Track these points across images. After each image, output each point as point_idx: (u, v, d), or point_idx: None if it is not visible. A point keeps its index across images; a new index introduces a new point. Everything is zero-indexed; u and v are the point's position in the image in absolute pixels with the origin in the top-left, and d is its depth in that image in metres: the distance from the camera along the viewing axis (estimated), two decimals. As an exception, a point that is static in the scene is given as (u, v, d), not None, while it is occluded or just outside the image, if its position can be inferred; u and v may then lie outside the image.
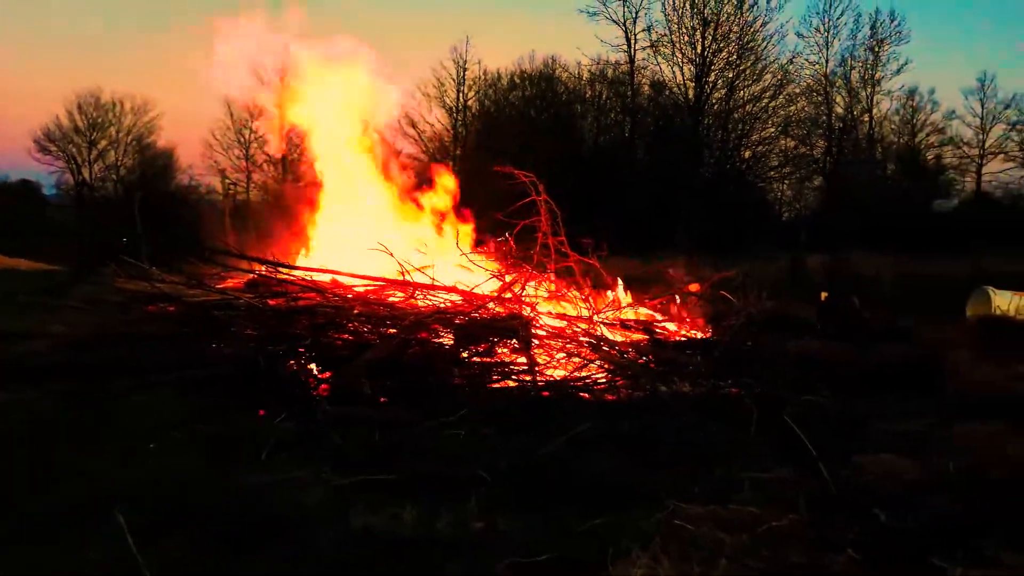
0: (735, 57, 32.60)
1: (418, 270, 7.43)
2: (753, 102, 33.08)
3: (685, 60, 32.84)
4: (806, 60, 34.38)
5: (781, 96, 33.29)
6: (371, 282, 7.13)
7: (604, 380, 6.17)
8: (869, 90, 34.96)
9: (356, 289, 7.06)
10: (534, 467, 4.07)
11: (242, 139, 39.42)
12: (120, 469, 3.97)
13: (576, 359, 6.50)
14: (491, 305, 6.85)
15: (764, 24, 32.63)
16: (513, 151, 25.98)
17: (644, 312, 8.21)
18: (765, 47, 32.79)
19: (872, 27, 34.36)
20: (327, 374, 6.04)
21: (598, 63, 34.86)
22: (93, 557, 2.97)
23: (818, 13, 34.83)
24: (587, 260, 8.31)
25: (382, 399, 5.59)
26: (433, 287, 7.09)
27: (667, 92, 34.02)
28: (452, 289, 7.04)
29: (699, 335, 7.92)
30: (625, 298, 8.31)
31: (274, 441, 4.41)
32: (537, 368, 6.18)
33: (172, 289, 7.21)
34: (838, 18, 34.42)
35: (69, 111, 40.51)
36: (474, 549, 3.12)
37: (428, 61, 59.03)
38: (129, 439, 4.46)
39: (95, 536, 3.09)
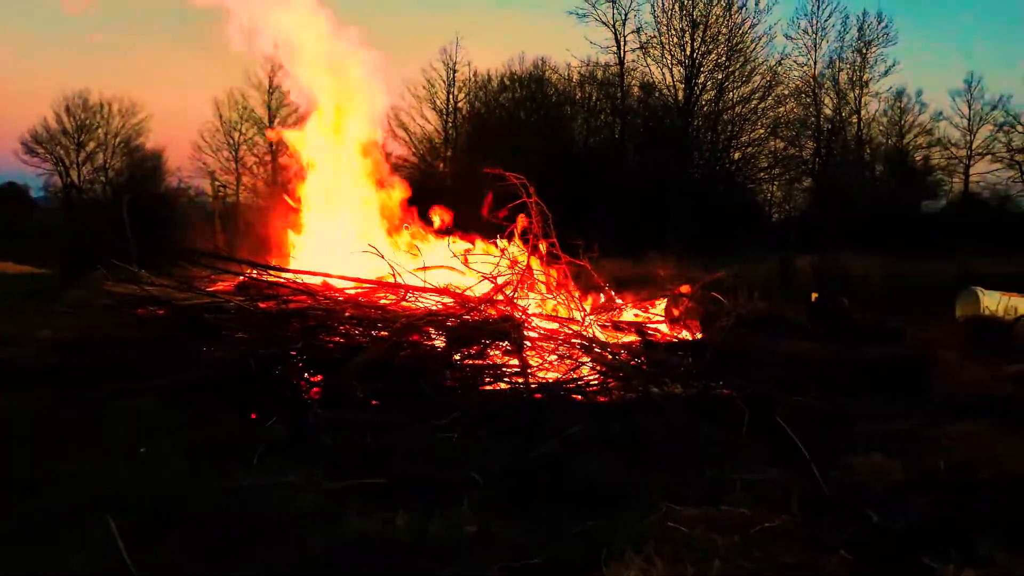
0: (724, 59, 32.81)
1: (410, 272, 7.42)
2: (742, 104, 33.28)
3: (674, 62, 33.05)
4: (794, 62, 34.69)
5: (770, 98, 33.56)
6: (362, 284, 7.11)
7: (596, 382, 6.16)
8: (857, 92, 35.28)
9: (347, 291, 7.03)
10: (527, 469, 4.07)
11: (231, 141, 39.29)
12: (110, 473, 3.94)
13: (568, 361, 6.50)
14: (483, 307, 6.84)
15: (753, 26, 32.91)
16: (503, 153, 26.03)
17: (636, 313, 8.22)
18: (754, 49, 33.08)
19: (860, 29, 34.74)
20: (318, 377, 6.02)
21: (588, 65, 35.06)
22: (83, 561, 2.95)
23: (806, 15, 35.19)
24: (578, 262, 8.31)
25: (374, 402, 5.56)
26: (424, 289, 7.07)
27: (656, 94, 34.21)
28: (444, 291, 7.03)
29: (690, 336, 7.93)
30: (617, 301, 8.32)
31: (265, 444, 4.38)
32: (529, 370, 6.17)
33: (161, 292, 7.14)
34: (826, 20, 34.76)
35: (57, 113, 40.30)
36: (467, 552, 3.11)
37: (418, 62, 59.11)
38: (119, 443, 4.42)
39: (85, 540, 3.07)
